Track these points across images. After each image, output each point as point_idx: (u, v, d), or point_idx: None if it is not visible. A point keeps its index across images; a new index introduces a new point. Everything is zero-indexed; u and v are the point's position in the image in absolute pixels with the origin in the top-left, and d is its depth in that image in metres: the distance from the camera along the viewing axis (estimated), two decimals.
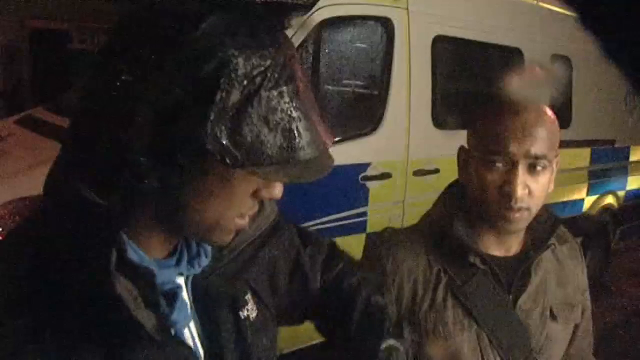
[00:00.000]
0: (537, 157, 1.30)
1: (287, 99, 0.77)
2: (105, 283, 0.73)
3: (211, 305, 0.93)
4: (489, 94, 4.50)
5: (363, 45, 3.98)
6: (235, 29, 0.75)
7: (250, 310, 1.00)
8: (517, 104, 1.33)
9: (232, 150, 0.73)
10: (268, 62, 0.75)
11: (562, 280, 1.50)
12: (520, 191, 1.29)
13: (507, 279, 1.41)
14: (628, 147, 6.48)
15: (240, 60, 0.73)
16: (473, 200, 1.39)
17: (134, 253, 0.81)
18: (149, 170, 0.73)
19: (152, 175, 0.73)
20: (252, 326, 0.99)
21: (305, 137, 0.79)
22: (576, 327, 1.54)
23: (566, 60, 5.41)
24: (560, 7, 5.39)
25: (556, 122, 1.36)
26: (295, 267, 1.15)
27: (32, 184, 3.03)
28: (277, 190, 0.85)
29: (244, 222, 0.86)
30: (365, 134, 3.92)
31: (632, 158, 6.59)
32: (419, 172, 4.18)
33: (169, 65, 0.72)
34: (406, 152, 4.12)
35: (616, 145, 6.24)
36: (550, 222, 1.47)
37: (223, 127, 0.72)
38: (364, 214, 3.95)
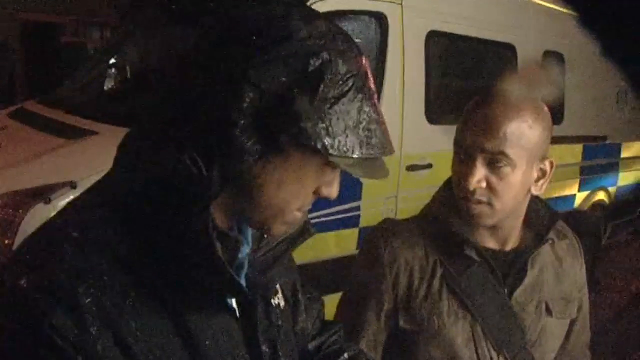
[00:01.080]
0: (492, 153, 1.30)
1: (368, 102, 0.86)
2: (208, 247, 0.82)
3: (250, 291, 0.97)
4: (482, 90, 4.51)
5: (357, 40, 3.93)
6: (335, 35, 0.86)
7: (280, 299, 1.08)
8: (489, 98, 1.34)
9: (325, 137, 0.81)
10: (358, 68, 0.86)
11: (560, 276, 1.51)
12: (473, 184, 1.30)
13: (503, 272, 1.42)
14: (619, 144, 6.51)
15: (340, 62, 0.83)
16: None
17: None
18: (249, 148, 0.81)
19: (251, 153, 0.81)
20: (282, 314, 1.07)
21: (380, 138, 0.87)
22: (573, 322, 1.55)
23: (559, 56, 5.43)
24: (553, 4, 5.41)
25: (537, 123, 1.33)
26: (292, 294, 1.17)
27: (25, 176, 3.03)
28: (335, 190, 0.93)
29: (301, 216, 0.94)
30: None
31: (624, 154, 6.62)
32: (412, 167, 4.19)
33: (281, 56, 0.81)
34: (399, 146, 4.12)
35: (608, 142, 6.26)
36: (549, 217, 1.48)
37: (320, 116, 0.81)
38: (357, 208, 3.96)
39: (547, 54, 5.26)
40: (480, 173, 1.30)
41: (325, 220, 3.78)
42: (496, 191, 1.32)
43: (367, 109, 0.86)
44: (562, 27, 5.46)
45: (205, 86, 0.82)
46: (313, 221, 3.72)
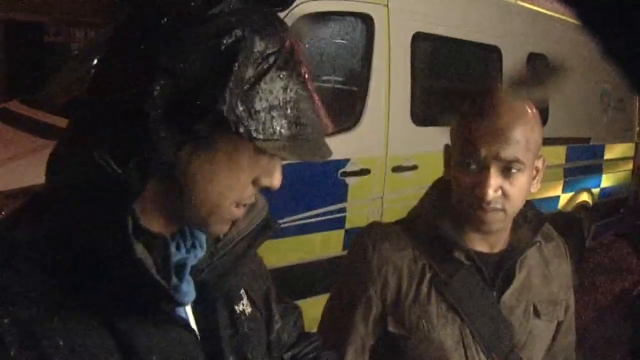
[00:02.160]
0: (508, 161, 1.30)
1: (295, 81, 0.82)
2: (125, 248, 0.76)
3: (207, 298, 0.94)
4: (467, 92, 4.53)
5: (343, 41, 3.98)
6: (251, 13, 0.80)
7: (245, 306, 1.02)
8: (492, 105, 1.33)
9: (246, 121, 0.77)
10: (279, 45, 0.80)
11: (547, 278, 1.51)
12: (491, 194, 1.29)
13: (491, 275, 1.42)
14: (603, 145, 6.56)
15: (257, 39, 0.78)
16: (454, 198, 1.39)
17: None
18: (166, 139, 0.76)
19: (168, 145, 0.76)
20: (247, 321, 1.01)
21: (312, 117, 0.84)
22: (559, 324, 1.55)
23: (543, 58, 5.46)
24: (538, 6, 5.44)
25: (537, 123, 1.35)
26: (264, 302, 1.11)
27: (8, 176, 3.00)
28: (277, 179, 0.87)
29: (240, 212, 0.88)
30: (345, 130, 3.92)
31: (607, 156, 6.67)
32: (397, 169, 4.20)
33: (190, 38, 0.76)
34: (385, 148, 4.13)
35: (591, 144, 6.31)
36: (536, 220, 1.48)
37: (239, 98, 0.76)
38: (343, 209, 3.96)
39: (532, 56, 5.29)
40: (496, 182, 1.30)
41: (311, 222, 3.78)
42: (509, 197, 1.32)
43: (293, 87, 0.81)
44: (547, 30, 5.49)
45: (117, 78, 0.78)
46: (298, 223, 3.75)
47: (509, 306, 1.43)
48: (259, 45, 0.78)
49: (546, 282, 1.50)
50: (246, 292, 1.04)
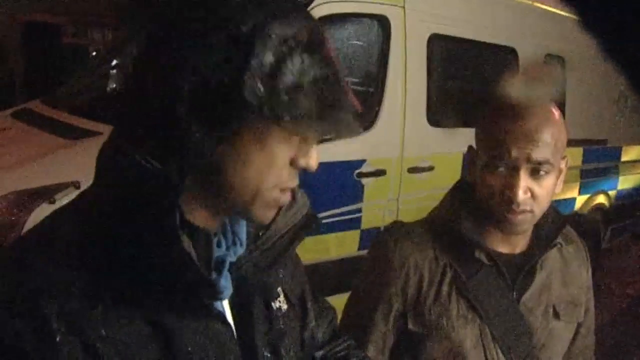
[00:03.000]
0: (539, 163, 1.30)
1: (320, 61, 0.82)
2: (173, 242, 0.78)
3: (245, 294, 0.96)
4: (487, 93, 4.52)
5: (359, 43, 3.99)
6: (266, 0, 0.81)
7: (281, 303, 1.03)
8: (520, 107, 1.33)
9: (269, 102, 0.78)
10: (301, 28, 0.81)
11: (567, 280, 1.51)
12: (521, 196, 1.30)
13: (512, 276, 1.42)
14: (620, 147, 6.51)
15: (276, 24, 0.79)
16: (479, 200, 1.39)
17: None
18: (196, 132, 0.77)
19: (199, 137, 0.78)
20: (283, 317, 1.02)
21: (338, 95, 0.84)
22: (579, 326, 1.55)
23: (560, 59, 5.44)
24: (555, 8, 5.42)
25: (562, 124, 1.35)
26: (300, 300, 1.12)
27: (29, 176, 3.05)
28: (313, 159, 0.88)
29: (284, 196, 0.89)
30: (361, 131, 3.93)
31: (624, 158, 6.62)
32: (413, 170, 4.20)
33: (208, 29, 0.77)
34: (401, 149, 4.14)
35: (608, 145, 6.27)
36: (557, 221, 1.48)
37: (260, 81, 0.77)
38: (359, 210, 3.97)
39: (549, 57, 5.27)
40: (525, 184, 1.30)
41: (327, 222, 3.79)
42: (537, 198, 1.32)
43: (317, 67, 0.81)
44: (563, 31, 5.46)
45: (147, 80, 0.81)
46: None
47: (528, 307, 1.43)
48: (278, 29, 0.79)
49: (566, 283, 1.51)
50: (283, 290, 1.05)
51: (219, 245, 0.92)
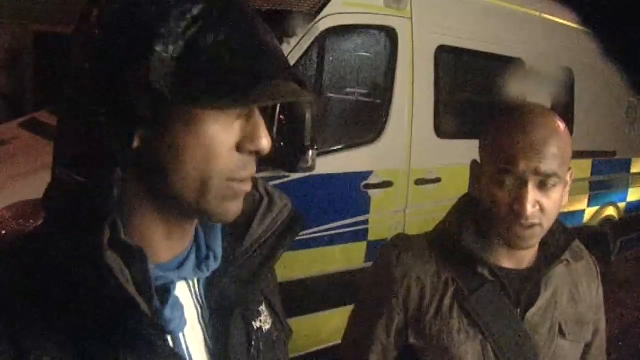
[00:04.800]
0: (547, 175, 1.29)
1: (239, 29, 0.75)
2: (95, 256, 0.69)
3: (224, 311, 0.88)
4: (493, 105, 4.52)
5: (366, 54, 4.00)
6: None
7: (263, 322, 0.95)
8: (526, 120, 1.32)
9: (182, 86, 0.71)
10: (204, 5, 0.74)
11: (575, 298, 1.48)
12: (530, 209, 1.28)
13: (516, 292, 1.40)
14: (629, 159, 6.49)
15: (173, 11, 0.72)
16: (484, 215, 1.38)
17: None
18: (114, 135, 0.71)
19: (119, 140, 0.72)
20: (264, 338, 0.94)
21: (267, 61, 0.76)
22: (588, 346, 1.52)
23: (568, 71, 5.43)
24: (563, 20, 5.42)
25: (568, 136, 1.35)
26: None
27: (36, 187, 3.05)
28: (262, 140, 0.79)
29: (243, 186, 0.81)
30: (368, 142, 3.93)
31: (633, 170, 6.60)
32: (420, 181, 4.20)
33: (106, 19, 0.72)
34: (408, 160, 4.13)
35: (617, 157, 6.25)
36: (565, 237, 1.46)
37: (168, 66, 0.71)
38: (366, 222, 3.96)
39: (557, 69, 5.26)
40: (534, 197, 1.29)
41: (333, 234, 3.79)
42: (546, 211, 1.31)
43: (239, 37, 0.74)
44: (572, 42, 5.47)
45: (64, 84, 0.75)
46: (320, 234, 3.75)
47: (533, 324, 1.40)
48: (180, 9, 0.72)
49: (574, 301, 1.48)
50: (270, 304, 0.99)
51: (181, 266, 0.84)
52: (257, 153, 0.80)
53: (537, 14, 5.22)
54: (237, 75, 0.73)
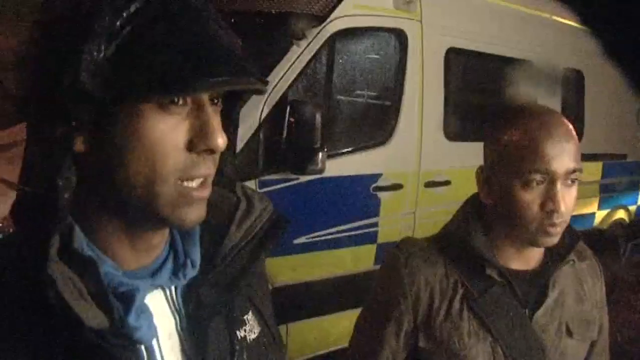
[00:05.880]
0: (573, 171, 1.32)
1: (181, 23, 0.72)
2: (39, 267, 0.67)
3: (202, 319, 0.85)
4: (504, 108, 4.50)
5: (376, 57, 4.00)
6: None
7: (248, 331, 0.91)
8: (544, 119, 1.34)
9: (115, 87, 0.68)
10: (142, 1, 0.71)
11: (580, 297, 1.49)
12: (563, 206, 1.30)
13: (524, 293, 1.41)
14: None
15: (106, 9, 0.69)
16: (499, 216, 1.39)
17: (89, 249, 0.75)
18: (52, 138, 0.69)
19: (56, 142, 0.69)
20: (249, 348, 0.90)
21: (206, 57, 0.72)
22: (593, 344, 1.53)
23: (578, 73, 5.41)
24: (573, 21, 5.41)
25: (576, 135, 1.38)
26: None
27: None
28: (215, 137, 0.75)
29: (201, 192, 0.77)
30: (377, 145, 3.93)
31: None
32: (430, 184, 4.20)
33: (45, 17, 0.72)
34: (418, 163, 4.13)
35: (628, 160, 6.22)
36: (570, 237, 1.47)
37: (100, 66, 0.68)
38: (375, 224, 3.96)
39: (567, 71, 5.25)
40: (563, 194, 1.31)
41: (343, 236, 3.79)
42: (569, 208, 1.33)
43: (179, 32, 0.71)
44: (582, 44, 5.45)
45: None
46: (331, 237, 3.74)
47: (541, 324, 1.41)
48: (111, 10, 0.69)
49: (579, 301, 1.49)
50: (259, 313, 0.95)
51: (155, 274, 0.82)
52: (211, 151, 0.76)
53: (547, 15, 5.21)
54: (174, 70, 0.69)
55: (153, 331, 0.78)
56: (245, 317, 0.92)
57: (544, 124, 1.33)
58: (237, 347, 0.88)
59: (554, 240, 1.35)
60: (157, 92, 0.70)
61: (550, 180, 1.31)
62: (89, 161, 0.72)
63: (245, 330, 0.90)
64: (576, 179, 1.33)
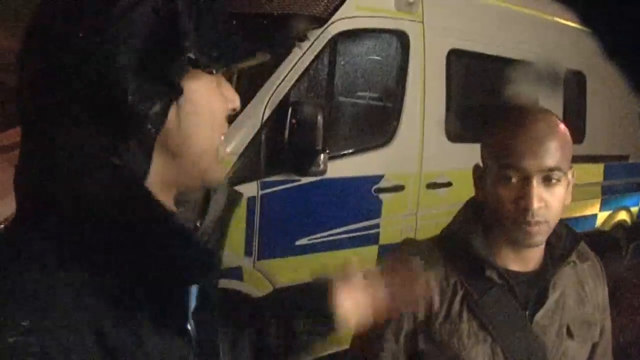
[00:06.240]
0: (550, 170, 1.31)
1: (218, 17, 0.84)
2: (167, 220, 0.78)
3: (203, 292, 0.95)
4: (501, 107, 4.51)
5: (378, 58, 4.01)
6: None
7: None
8: (526, 117, 1.35)
9: (210, 53, 0.80)
10: None
11: (582, 298, 1.49)
12: (536, 204, 1.30)
13: (524, 294, 1.41)
14: None
15: None
16: (490, 215, 1.39)
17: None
18: (148, 107, 0.76)
19: (153, 112, 0.77)
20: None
21: (235, 25, 0.86)
22: (595, 346, 1.52)
23: (580, 75, 5.41)
24: (576, 23, 5.41)
25: (568, 134, 1.37)
26: None
27: None
28: (237, 99, 0.89)
29: (225, 149, 0.90)
30: (379, 146, 3.94)
31: None
32: (431, 185, 4.20)
33: (130, 5, 0.76)
34: (419, 164, 4.14)
35: (630, 161, 6.22)
36: (571, 239, 1.47)
37: (198, 38, 0.79)
38: (377, 225, 3.96)
39: (569, 72, 5.25)
40: (539, 192, 1.30)
41: (345, 237, 3.79)
42: (550, 208, 1.32)
43: (224, 19, 0.85)
44: (584, 46, 5.45)
45: (72, 62, 0.75)
46: (332, 238, 3.73)
47: (541, 326, 1.41)
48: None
49: (581, 302, 1.49)
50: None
51: None
52: (233, 111, 0.89)
53: (549, 17, 5.21)
54: (230, 42, 0.84)
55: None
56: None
57: (525, 122, 1.33)
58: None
59: (533, 240, 1.35)
60: (225, 65, 0.84)
61: (525, 177, 1.31)
62: (167, 132, 0.80)
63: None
64: (558, 179, 1.32)
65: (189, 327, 0.88)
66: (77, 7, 0.77)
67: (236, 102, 0.88)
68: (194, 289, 0.89)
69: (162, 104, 0.77)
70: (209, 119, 0.83)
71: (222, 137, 0.87)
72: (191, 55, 0.78)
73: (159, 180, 0.82)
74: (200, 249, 0.84)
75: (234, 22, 0.87)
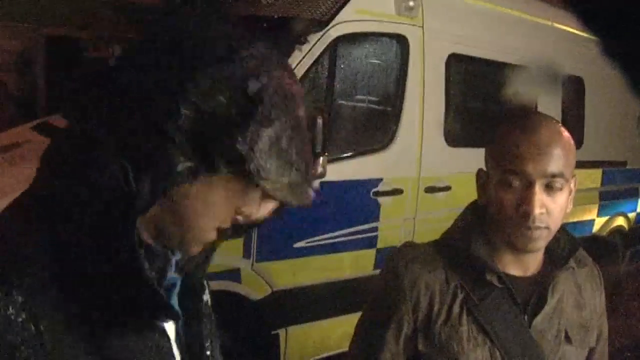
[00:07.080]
0: (553, 176, 1.31)
1: (297, 130, 0.85)
2: (134, 267, 0.79)
3: (192, 295, 0.99)
4: (502, 112, 4.52)
5: (378, 62, 4.01)
6: (274, 58, 0.85)
7: (207, 295, 1.06)
8: (531, 123, 1.35)
9: (257, 161, 0.80)
10: (292, 95, 0.85)
11: (579, 303, 1.50)
12: (537, 210, 1.30)
13: (523, 299, 1.42)
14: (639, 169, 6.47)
15: (276, 87, 0.82)
16: (491, 220, 1.40)
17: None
18: (183, 166, 0.79)
19: (184, 171, 0.79)
20: (208, 315, 1.05)
21: (305, 166, 0.86)
22: (592, 351, 1.53)
23: (579, 80, 5.42)
24: (574, 29, 5.42)
25: (572, 141, 1.38)
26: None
27: None
28: (257, 210, 0.89)
29: (216, 235, 0.90)
30: (378, 150, 3.94)
31: None
32: (430, 189, 4.20)
33: (220, 76, 0.80)
34: (418, 168, 4.14)
35: (628, 167, 6.23)
36: (570, 244, 1.48)
37: (254, 140, 0.80)
38: (375, 229, 3.97)
39: (568, 77, 5.26)
40: (540, 198, 1.31)
41: (343, 241, 3.79)
42: (552, 214, 1.33)
43: (295, 136, 0.84)
44: (583, 51, 5.46)
45: (143, 94, 0.79)
46: (330, 241, 3.76)
47: (540, 330, 1.42)
48: (277, 94, 0.82)
49: (578, 307, 1.50)
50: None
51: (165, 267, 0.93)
52: (247, 218, 0.91)
53: (549, 22, 5.22)
54: (290, 170, 0.85)
55: (179, 312, 0.91)
56: (205, 282, 1.05)
57: (529, 127, 1.34)
58: (206, 312, 1.03)
59: (535, 245, 1.36)
60: (264, 189, 0.85)
61: (527, 182, 1.32)
62: (180, 192, 0.83)
63: (206, 294, 1.05)
64: (560, 186, 1.33)
65: (165, 318, 0.90)
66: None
67: (252, 215, 0.89)
68: (178, 282, 0.94)
69: (188, 170, 0.80)
70: (219, 210, 0.86)
71: (222, 227, 0.89)
72: (242, 154, 0.79)
73: (155, 221, 0.86)
74: (158, 302, 0.83)
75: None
